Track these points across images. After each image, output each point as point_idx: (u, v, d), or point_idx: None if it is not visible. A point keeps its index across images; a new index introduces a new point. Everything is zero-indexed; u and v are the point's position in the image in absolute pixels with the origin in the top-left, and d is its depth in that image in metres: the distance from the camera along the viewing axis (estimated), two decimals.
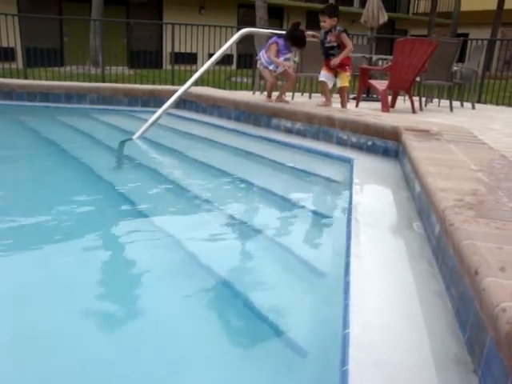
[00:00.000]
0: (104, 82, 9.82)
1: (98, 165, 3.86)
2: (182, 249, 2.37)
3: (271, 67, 5.24)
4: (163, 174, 3.79)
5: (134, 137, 4.74)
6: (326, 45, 5.17)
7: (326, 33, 5.11)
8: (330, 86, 5.46)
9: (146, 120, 4.92)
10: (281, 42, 4.97)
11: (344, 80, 5.26)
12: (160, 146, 4.69)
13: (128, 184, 3.44)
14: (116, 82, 9.84)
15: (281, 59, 5.02)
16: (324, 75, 5.37)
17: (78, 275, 2.03)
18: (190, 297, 1.91)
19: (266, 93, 5.78)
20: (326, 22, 5.02)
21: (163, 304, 1.84)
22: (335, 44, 5.10)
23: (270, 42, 5.08)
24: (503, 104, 9.61)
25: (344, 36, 5.09)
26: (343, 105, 5.49)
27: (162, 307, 1.82)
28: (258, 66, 5.38)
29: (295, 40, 4.97)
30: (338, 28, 5.09)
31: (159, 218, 2.78)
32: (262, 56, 5.14)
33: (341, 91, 5.38)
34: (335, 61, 5.10)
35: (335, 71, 5.27)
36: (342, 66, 5.16)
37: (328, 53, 5.19)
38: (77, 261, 2.18)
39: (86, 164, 3.89)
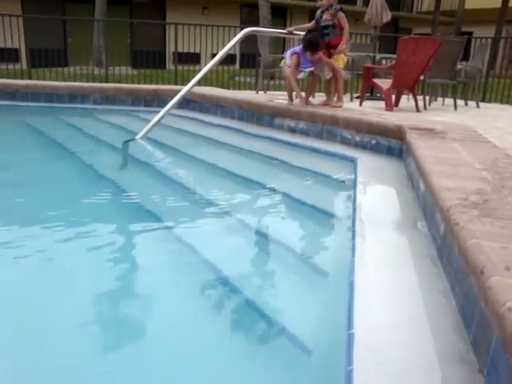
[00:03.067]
0: (107, 82, 9.83)
1: (101, 165, 3.87)
2: (186, 246, 2.37)
3: (300, 76, 5.17)
4: (166, 173, 3.79)
5: (138, 137, 4.75)
6: (322, 23, 4.97)
7: (322, 11, 4.95)
8: (328, 76, 5.23)
9: (149, 120, 4.93)
10: (301, 53, 4.85)
11: (338, 61, 5.03)
12: (163, 145, 4.70)
13: (131, 184, 3.44)
14: (119, 82, 9.86)
15: (299, 75, 4.99)
16: (323, 70, 5.18)
17: (84, 274, 2.04)
18: (194, 293, 1.91)
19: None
20: (324, 0, 4.91)
21: (169, 302, 1.84)
22: (331, 23, 4.91)
23: (292, 51, 4.96)
24: (508, 103, 9.57)
25: (341, 15, 4.92)
26: (339, 86, 5.28)
27: (168, 305, 1.82)
28: (285, 71, 5.20)
29: (305, 44, 4.85)
30: (335, 6, 4.91)
31: (164, 217, 2.78)
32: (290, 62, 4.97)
33: (334, 72, 5.10)
34: (341, 47, 4.92)
35: (329, 54, 5.04)
36: (335, 47, 4.97)
37: (323, 32, 4.97)
38: (81, 259, 2.18)
39: (90, 164, 3.90)
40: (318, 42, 4.81)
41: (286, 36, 6.27)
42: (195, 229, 2.68)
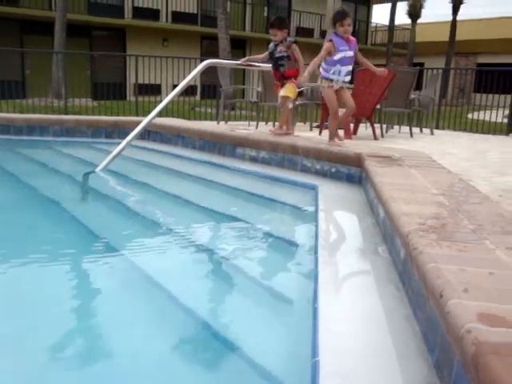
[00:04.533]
0: (67, 113, 9.73)
1: (61, 198, 3.79)
2: (147, 278, 2.33)
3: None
4: (127, 205, 3.74)
5: (98, 169, 4.69)
6: (276, 55, 5.04)
7: (276, 44, 5.05)
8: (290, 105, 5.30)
9: (110, 151, 4.89)
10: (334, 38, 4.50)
11: (287, 90, 5.06)
12: (124, 177, 4.65)
13: (92, 216, 3.39)
14: (79, 113, 9.77)
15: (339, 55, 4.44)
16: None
17: (42, 309, 1.98)
18: (156, 326, 1.87)
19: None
20: (278, 35, 4.97)
21: (129, 335, 1.80)
22: (285, 54, 5.00)
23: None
24: (460, 129, 9.93)
25: (295, 48, 5.02)
26: (284, 116, 5.28)
27: (126, 336, 1.78)
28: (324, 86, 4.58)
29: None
30: (289, 39, 5.02)
31: (125, 250, 2.74)
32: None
33: (283, 101, 5.12)
34: (300, 80, 4.90)
35: (283, 84, 5.10)
36: (289, 78, 5.05)
37: (278, 63, 5.06)
38: (40, 295, 2.11)
39: (49, 197, 3.82)
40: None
41: (244, 67, 6.35)
42: (156, 259, 2.64)
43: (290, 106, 5.30)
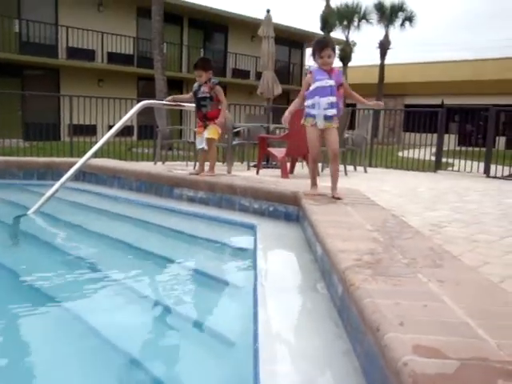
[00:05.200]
0: None
1: None
2: (83, 324, 2.24)
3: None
4: (60, 248, 3.61)
5: (30, 212, 4.52)
6: (199, 95, 5.09)
7: (201, 85, 5.09)
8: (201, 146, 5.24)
9: (43, 194, 4.73)
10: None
11: (211, 131, 5.09)
12: (57, 220, 4.50)
13: (22, 262, 3.24)
14: (10, 154, 9.43)
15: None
16: (199, 142, 5.23)
17: None
18: (97, 375, 1.79)
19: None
20: (203, 76, 5.03)
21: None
22: (208, 95, 5.05)
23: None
24: (391, 167, 10.34)
25: (219, 89, 5.10)
26: (211, 158, 5.27)
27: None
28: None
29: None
30: (213, 80, 5.10)
31: (57, 295, 2.62)
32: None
33: (208, 142, 5.12)
34: (220, 120, 5.04)
35: (206, 125, 5.13)
36: (212, 119, 5.10)
37: (201, 103, 5.10)
38: None
39: None
40: None
41: (172, 107, 6.33)
42: (92, 305, 2.55)
43: (201, 146, 5.24)
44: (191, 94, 5.25)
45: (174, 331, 2.34)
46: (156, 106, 6.30)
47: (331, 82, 3.81)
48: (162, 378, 1.78)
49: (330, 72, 3.84)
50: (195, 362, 1.93)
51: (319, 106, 3.84)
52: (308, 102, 3.91)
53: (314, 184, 4.05)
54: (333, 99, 3.82)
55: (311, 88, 3.87)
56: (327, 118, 3.86)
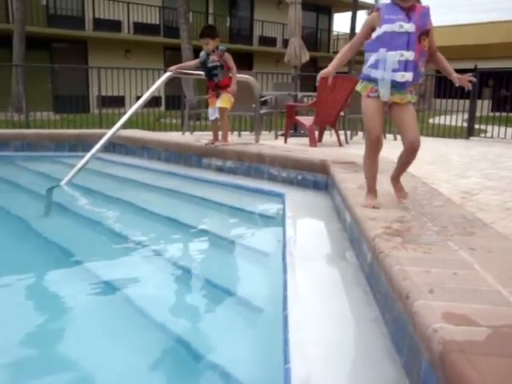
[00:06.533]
0: (29, 128, 9.54)
1: (24, 213, 3.71)
2: (118, 294, 2.29)
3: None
4: (93, 218, 3.68)
5: (62, 183, 4.61)
6: (209, 65, 5.00)
7: (208, 54, 5.01)
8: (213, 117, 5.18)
9: (74, 165, 4.81)
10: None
11: (224, 101, 5.03)
12: (89, 190, 4.58)
13: (58, 231, 3.32)
14: (41, 127, 9.59)
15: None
16: (212, 113, 5.16)
17: (11, 326, 1.92)
18: (128, 342, 1.85)
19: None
20: (210, 44, 4.93)
21: (99, 347, 1.77)
22: (218, 64, 4.97)
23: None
24: (422, 134, 10.13)
25: (228, 56, 5.00)
26: (223, 127, 5.23)
27: (98, 349, 1.75)
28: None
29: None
30: (221, 48, 5.00)
31: (94, 265, 2.69)
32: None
33: (220, 111, 5.07)
34: (232, 88, 4.96)
35: (218, 94, 5.07)
36: (224, 87, 5.03)
37: (211, 73, 5.03)
38: (11, 312, 2.06)
39: (11, 213, 3.73)
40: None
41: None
42: (126, 272, 2.61)
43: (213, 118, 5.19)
44: (197, 61, 5.16)
45: (204, 297, 2.38)
46: (180, 75, 6.13)
47: (409, 27, 2.44)
48: (192, 344, 1.82)
49: (409, 10, 2.46)
50: (225, 328, 1.97)
51: (385, 66, 2.51)
52: (368, 58, 2.59)
53: (372, 190, 2.66)
54: (409, 55, 2.46)
55: (375, 34, 2.52)
56: (397, 87, 2.53)
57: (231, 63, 5.00)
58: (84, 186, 4.60)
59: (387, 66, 2.49)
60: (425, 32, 2.46)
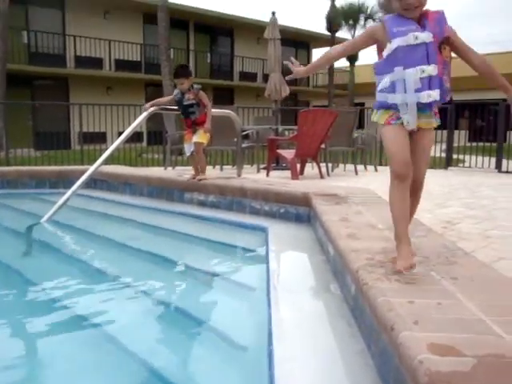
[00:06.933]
0: (9, 165, 9.46)
1: (4, 251, 3.65)
2: (98, 330, 2.25)
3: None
4: (75, 256, 3.64)
5: (43, 220, 4.55)
6: (185, 103, 5.05)
7: (183, 93, 5.05)
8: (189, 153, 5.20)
9: (55, 202, 4.76)
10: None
11: (200, 136, 5.05)
12: (70, 227, 4.53)
13: (38, 270, 3.27)
14: (22, 164, 9.52)
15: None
16: (188, 148, 5.18)
17: None
18: (108, 375, 1.81)
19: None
20: (185, 84, 4.98)
21: None
22: (194, 101, 5.02)
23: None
24: None
25: (202, 94, 5.07)
26: (200, 162, 5.20)
27: None
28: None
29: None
30: (196, 86, 5.07)
31: (74, 303, 2.64)
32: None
33: (196, 147, 5.08)
34: (207, 126, 4.99)
35: (195, 130, 5.09)
36: (201, 124, 5.06)
37: (188, 111, 5.07)
38: None
39: None
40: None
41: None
42: (107, 308, 2.56)
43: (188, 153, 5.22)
44: (171, 97, 5.21)
45: (186, 334, 2.34)
46: (161, 111, 6.13)
47: (425, 37, 2.06)
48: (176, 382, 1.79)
49: (421, 18, 2.11)
50: (208, 365, 1.93)
51: (405, 87, 2.08)
52: (381, 81, 2.17)
53: (404, 239, 2.06)
54: (431, 70, 2.05)
55: (385, 53, 2.12)
56: (422, 108, 2.12)
57: (206, 100, 5.06)
58: (65, 223, 4.55)
59: (408, 86, 2.06)
60: (444, 40, 2.08)
